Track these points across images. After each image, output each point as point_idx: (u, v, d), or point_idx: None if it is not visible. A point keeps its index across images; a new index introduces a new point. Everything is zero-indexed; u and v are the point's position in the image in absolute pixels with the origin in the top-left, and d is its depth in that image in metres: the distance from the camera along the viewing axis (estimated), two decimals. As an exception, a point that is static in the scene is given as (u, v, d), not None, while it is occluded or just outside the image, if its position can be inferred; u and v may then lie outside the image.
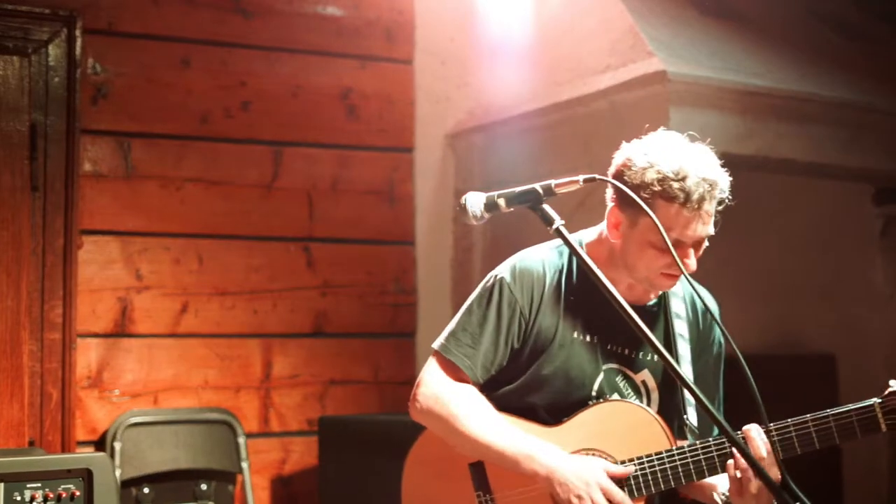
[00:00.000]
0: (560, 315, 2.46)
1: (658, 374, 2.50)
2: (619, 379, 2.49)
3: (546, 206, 2.19)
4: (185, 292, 4.20)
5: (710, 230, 2.36)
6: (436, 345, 2.51)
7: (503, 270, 2.51)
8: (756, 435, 2.23)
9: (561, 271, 2.49)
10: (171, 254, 4.19)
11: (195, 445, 4.07)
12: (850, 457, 4.81)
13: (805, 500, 1.84)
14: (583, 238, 2.54)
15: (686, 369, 2.48)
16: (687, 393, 2.47)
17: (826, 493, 4.66)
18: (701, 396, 1.92)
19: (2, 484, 2.44)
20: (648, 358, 2.50)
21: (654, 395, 2.51)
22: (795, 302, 4.83)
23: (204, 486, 4.05)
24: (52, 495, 2.46)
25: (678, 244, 2.31)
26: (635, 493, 2.35)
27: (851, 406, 2.25)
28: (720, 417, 1.93)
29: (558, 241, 2.46)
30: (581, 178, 2.21)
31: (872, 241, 4.80)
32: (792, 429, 2.26)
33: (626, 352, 2.50)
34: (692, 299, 2.57)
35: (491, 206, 2.26)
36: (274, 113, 4.38)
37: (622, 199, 2.37)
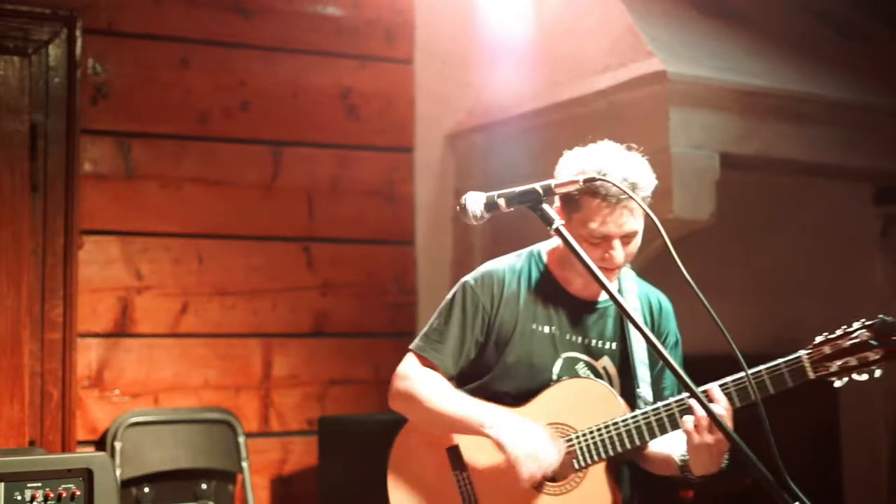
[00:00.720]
0: (520, 310, 2.69)
1: (616, 360, 2.72)
2: (579, 366, 2.70)
3: (546, 206, 2.29)
4: (185, 292, 4.20)
5: (636, 225, 2.55)
6: (411, 346, 2.76)
7: (468, 277, 2.75)
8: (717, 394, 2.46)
9: (521, 272, 2.73)
10: (171, 254, 4.19)
11: (195, 445, 4.08)
12: (850, 452, 4.82)
13: (804, 498, 1.84)
14: (541, 247, 2.78)
15: (641, 354, 2.70)
16: (639, 371, 2.69)
17: (826, 488, 4.66)
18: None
19: (2, 483, 2.44)
20: (606, 346, 2.72)
21: (616, 380, 2.71)
22: (795, 302, 4.83)
23: (204, 486, 4.05)
24: (52, 495, 2.46)
25: (605, 237, 2.52)
26: (595, 458, 2.57)
27: (781, 360, 2.45)
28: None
29: (522, 249, 2.79)
30: (581, 177, 2.32)
31: (872, 241, 4.80)
32: (731, 385, 2.46)
33: (586, 341, 2.71)
34: (647, 298, 2.79)
35: (491, 206, 2.33)
36: (274, 113, 4.38)
37: (561, 199, 2.59)
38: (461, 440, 2.69)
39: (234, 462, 4.10)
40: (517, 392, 2.67)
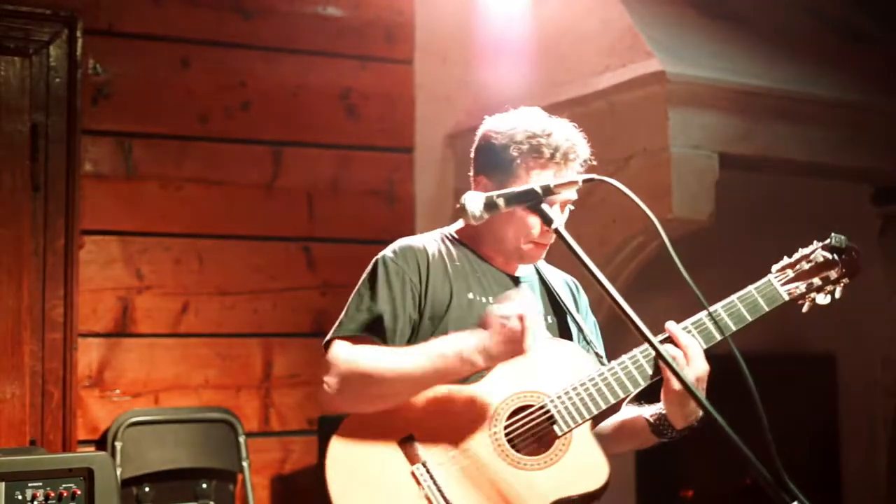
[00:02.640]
0: (450, 279, 2.44)
1: (555, 333, 2.51)
2: None
3: (545, 206, 2.26)
4: (185, 292, 4.21)
5: (574, 194, 2.41)
6: (329, 336, 2.40)
7: (384, 251, 2.50)
8: (676, 330, 2.34)
9: (439, 246, 2.51)
10: (171, 254, 4.20)
11: (196, 444, 4.08)
12: (849, 451, 4.82)
13: (802, 498, 1.84)
14: (448, 229, 2.59)
15: (582, 323, 2.55)
16: (586, 337, 2.53)
17: (825, 488, 4.67)
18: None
19: (3, 483, 2.44)
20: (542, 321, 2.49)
21: None
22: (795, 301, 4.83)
23: (204, 485, 4.05)
24: (53, 494, 2.47)
25: (549, 204, 2.32)
26: (577, 419, 2.31)
27: (751, 286, 2.43)
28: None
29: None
30: (581, 177, 2.30)
31: (872, 241, 4.80)
32: (705, 319, 2.36)
33: None
34: (564, 280, 2.63)
35: (490, 206, 2.29)
36: (274, 113, 4.38)
37: (490, 165, 2.47)
38: (415, 429, 2.32)
39: (234, 461, 4.11)
40: None
